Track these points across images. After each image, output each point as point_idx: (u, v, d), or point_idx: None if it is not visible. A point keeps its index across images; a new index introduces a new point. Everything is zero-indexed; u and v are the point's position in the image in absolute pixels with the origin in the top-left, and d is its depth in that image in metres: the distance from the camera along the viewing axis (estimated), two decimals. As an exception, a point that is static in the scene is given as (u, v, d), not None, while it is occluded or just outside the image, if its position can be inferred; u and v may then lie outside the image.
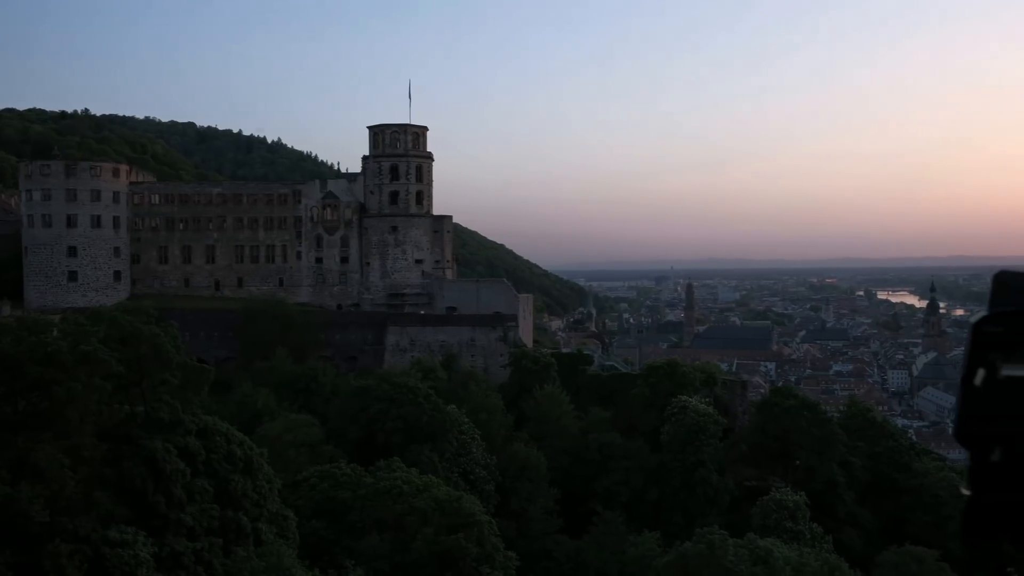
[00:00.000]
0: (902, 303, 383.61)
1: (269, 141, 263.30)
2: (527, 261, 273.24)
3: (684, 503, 64.63)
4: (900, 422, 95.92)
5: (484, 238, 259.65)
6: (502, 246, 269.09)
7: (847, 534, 60.96)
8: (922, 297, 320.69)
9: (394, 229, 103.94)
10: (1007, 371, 1.11)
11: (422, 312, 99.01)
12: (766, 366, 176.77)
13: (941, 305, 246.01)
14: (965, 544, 1.16)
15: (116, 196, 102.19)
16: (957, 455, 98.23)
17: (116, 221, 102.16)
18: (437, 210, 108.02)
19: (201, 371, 49.14)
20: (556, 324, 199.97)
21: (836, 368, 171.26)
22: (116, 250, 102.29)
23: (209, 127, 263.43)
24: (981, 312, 1.22)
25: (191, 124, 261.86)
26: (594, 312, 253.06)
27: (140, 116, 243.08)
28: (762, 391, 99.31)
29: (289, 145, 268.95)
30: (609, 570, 55.82)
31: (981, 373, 1.13)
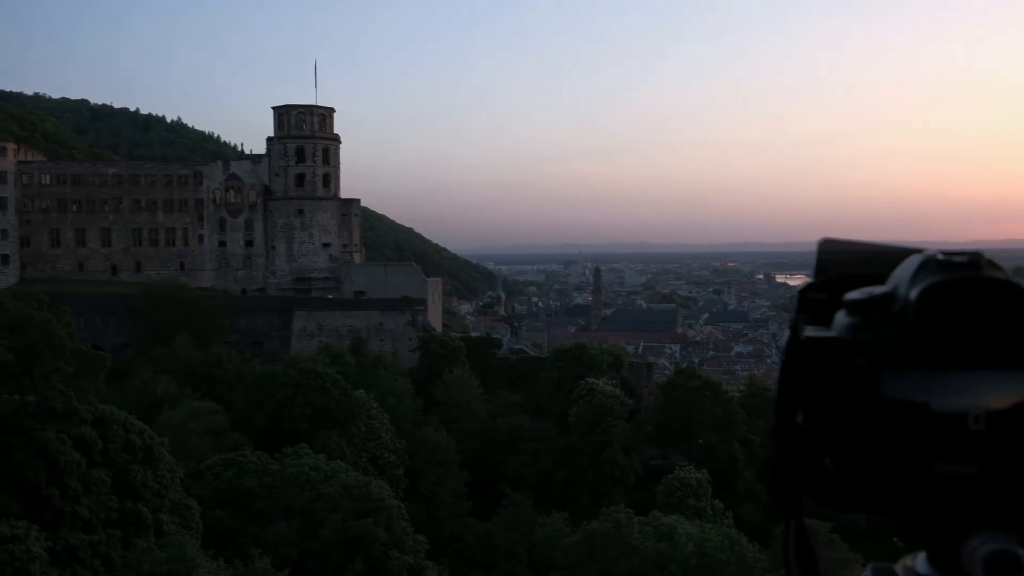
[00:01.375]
0: (799, 286, 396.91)
1: (168, 120, 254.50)
2: (436, 245, 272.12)
3: (592, 483, 65.77)
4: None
5: (393, 222, 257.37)
6: (411, 230, 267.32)
7: (747, 509, 63.07)
8: None
9: (300, 212, 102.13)
10: (809, 333, 1.13)
11: (330, 296, 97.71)
12: (671, 348, 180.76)
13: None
14: (771, 504, 1.19)
15: (3, 176, 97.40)
16: None
17: (3, 202, 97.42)
18: (345, 193, 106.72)
19: (97, 358, 47.49)
20: (465, 308, 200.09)
21: (737, 349, 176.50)
22: (3, 233, 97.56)
23: (104, 104, 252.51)
24: (807, 279, 1.27)
25: (84, 101, 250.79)
26: (503, 296, 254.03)
27: (29, 92, 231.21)
28: (667, 372, 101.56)
29: (190, 124, 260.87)
30: (518, 551, 56.46)
31: (786, 336, 1.15)
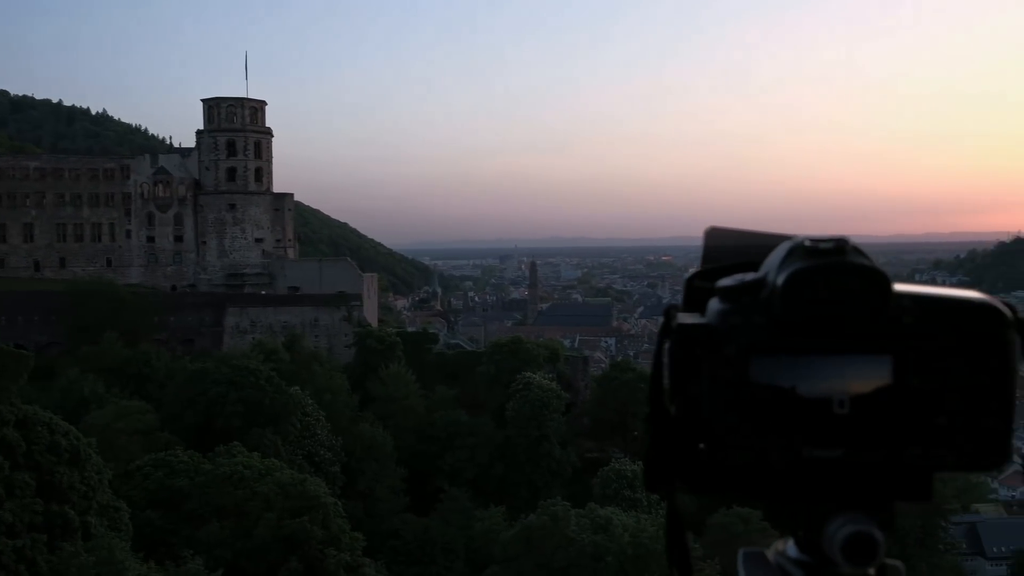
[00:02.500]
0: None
1: (93, 112, 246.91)
2: (372, 240, 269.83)
3: (529, 477, 66.14)
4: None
5: (327, 217, 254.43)
6: (346, 225, 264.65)
7: (681, 499, 64.13)
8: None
9: (232, 207, 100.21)
10: (681, 320, 1.14)
11: (263, 292, 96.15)
12: (607, 341, 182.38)
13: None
14: (646, 489, 1.19)
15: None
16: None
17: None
18: (278, 187, 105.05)
19: (19, 357, 46.07)
20: (401, 303, 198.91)
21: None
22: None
23: (24, 96, 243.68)
24: (694, 268, 1.26)
25: (3, 92, 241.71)
26: (439, 291, 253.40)
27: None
28: (603, 366, 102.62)
29: (116, 117, 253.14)
30: (456, 546, 56.50)
31: (661, 323, 1.14)
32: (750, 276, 1.17)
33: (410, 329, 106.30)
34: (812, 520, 1.15)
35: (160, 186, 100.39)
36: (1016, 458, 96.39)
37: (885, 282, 1.12)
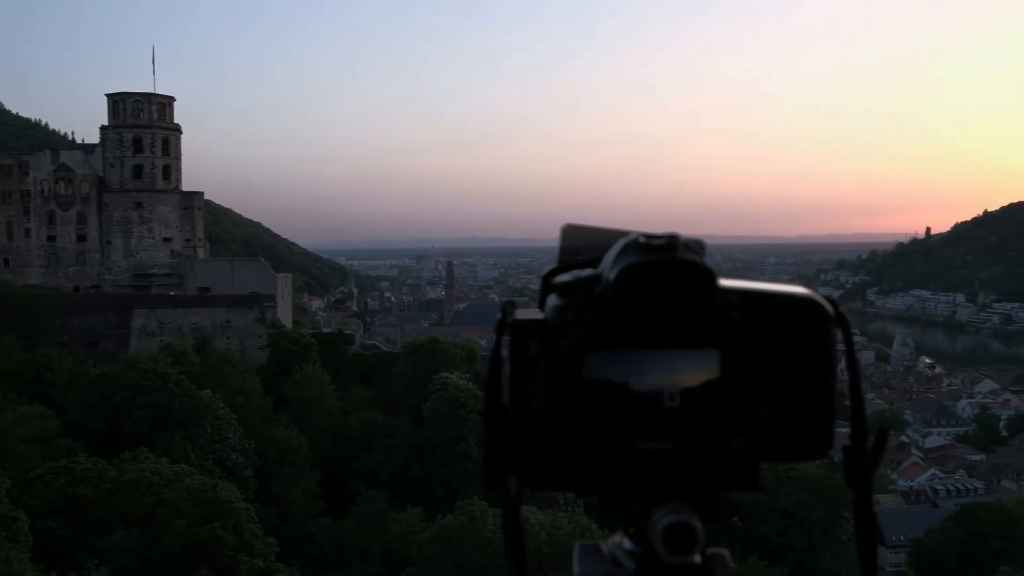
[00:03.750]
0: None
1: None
2: (285, 240, 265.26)
3: (446, 477, 65.95)
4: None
5: (239, 216, 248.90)
6: (259, 224, 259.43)
7: (594, 496, 65.01)
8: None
9: (139, 205, 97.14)
10: (518, 315, 1.13)
11: (171, 293, 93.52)
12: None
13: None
14: (485, 485, 1.20)
15: None
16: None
17: None
18: (187, 185, 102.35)
19: (-92, 363, 43.70)
20: (317, 304, 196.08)
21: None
22: None
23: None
24: (550, 265, 1.26)
25: None
26: (355, 291, 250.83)
27: None
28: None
29: (13, 111, 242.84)
30: (372, 548, 56.00)
31: (498, 319, 1.14)
32: (586, 272, 1.18)
33: (325, 330, 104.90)
34: (641, 512, 1.17)
35: (62, 183, 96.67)
36: (914, 450, 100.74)
37: (711, 278, 1.14)
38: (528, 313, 1.17)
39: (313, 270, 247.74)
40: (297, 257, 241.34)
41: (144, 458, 49.35)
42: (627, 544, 1.21)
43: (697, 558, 1.15)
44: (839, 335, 1.18)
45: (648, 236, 1.15)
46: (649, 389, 1.12)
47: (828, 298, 1.20)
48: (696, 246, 1.17)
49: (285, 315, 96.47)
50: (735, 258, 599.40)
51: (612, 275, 1.13)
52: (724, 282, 1.17)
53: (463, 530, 45.43)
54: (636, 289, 1.12)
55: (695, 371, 1.13)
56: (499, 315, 1.17)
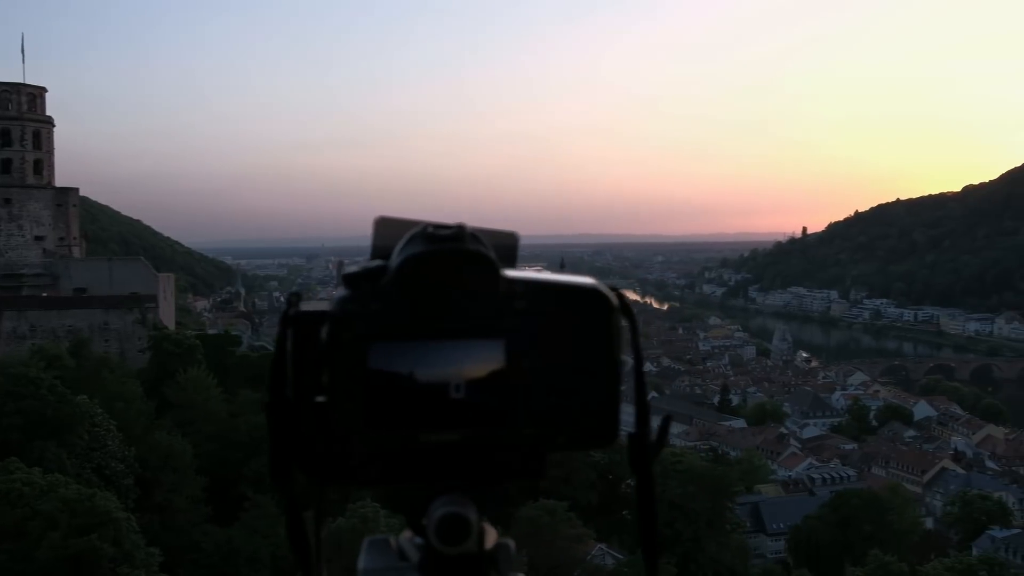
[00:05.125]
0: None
1: None
2: (168, 238, 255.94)
3: (337, 480, 65.09)
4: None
5: (118, 213, 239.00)
6: (139, 222, 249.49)
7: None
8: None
9: (7, 202, 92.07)
10: (302, 307, 1.12)
11: (44, 295, 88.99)
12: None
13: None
14: (271, 481, 1.18)
15: None
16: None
17: None
18: (61, 181, 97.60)
19: None
20: (202, 304, 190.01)
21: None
22: None
23: None
24: (351, 264, 1.21)
25: None
26: (243, 291, 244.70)
27: None
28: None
29: None
30: (261, 555, 54.73)
31: (282, 311, 1.14)
32: (374, 263, 1.16)
33: (211, 331, 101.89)
34: (423, 504, 1.17)
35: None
36: (792, 441, 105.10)
37: (494, 268, 1.12)
38: (313, 305, 1.15)
39: (198, 269, 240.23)
40: (181, 256, 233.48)
41: (15, 468, 46.87)
42: (417, 538, 1.20)
43: (479, 549, 1.15)
44: (624, 324, 1.18)
45: (436, 226, 1.13)
46: (434, 380, 1.10)
47: (613, 288, 1.20)
48: (485, 237, 1.13)
49: (168, 316, 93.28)
50: (624, 256, 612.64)
51: (395, 265, 1.12)
52: (510, 273, 1.15)
53: (355, 532, 44.88)
54: (419, 279, 1.10)
55: (480, 362, 1.11)
56: (284, 307, 1.16)
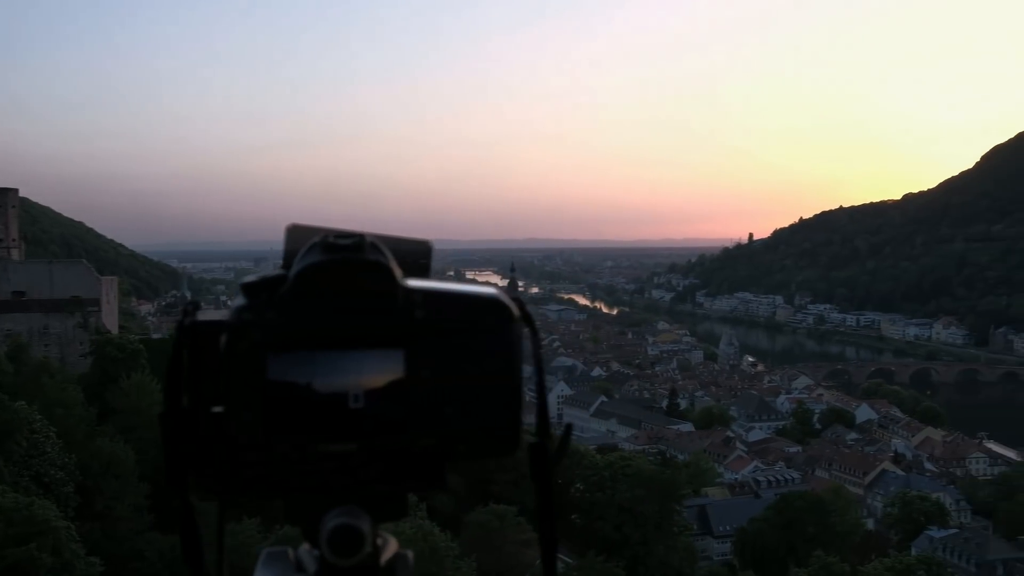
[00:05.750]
0: (487, 282, 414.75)
1: None
2: (112, 240, 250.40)
3: (285, 486, 64.42)
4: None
5: (59, 215, 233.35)
6: (81, 224, 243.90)
7: (440, 500, 65.14)
8: (504, 276, 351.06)
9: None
10: (199, 317, 1.11)
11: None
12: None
13: (520, 284, 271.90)
14: (168, 488, 1.16)
15: None
16: (533, 419, 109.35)
17: None
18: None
19: None
20: (146, 308, 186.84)
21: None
22: None
23: None
24: (251, 274, 1.21)
25: None
26: (188, 295, 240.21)
27: None
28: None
29: None
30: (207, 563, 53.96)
31: (178, 320, 1.12)
32: (273, 272, 1.16)
33: (155, 336, 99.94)
34: (319, 515, 1.15)
35: None
36: (739, 444, 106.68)
37: (392, 278, 1.11)
38: (211, 314, 1.14)
39: (143, 273, 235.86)
40: (124, 259, 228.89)
41: (-51, 477, 45.59)
42: (315, 550, 1.19)
43: (372, 559, 1.14)
44: (527, 334, 1.18)
45: (337, 235, 1.11)
46: (333, 390, 1.09)
47: (515, 298, 1.20)
48: (396, 246, 1.14)
49: (111, 320, 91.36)
50: (574, 261, 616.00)
51: (293, 275, 1.11)
52: (412, 283, 1.14)
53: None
54: (316, 289, 1.09)
55: (380, 372, 1.10)
56: (180, 315, 1.14)
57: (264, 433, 1.10)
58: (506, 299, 1.19)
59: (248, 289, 1.14)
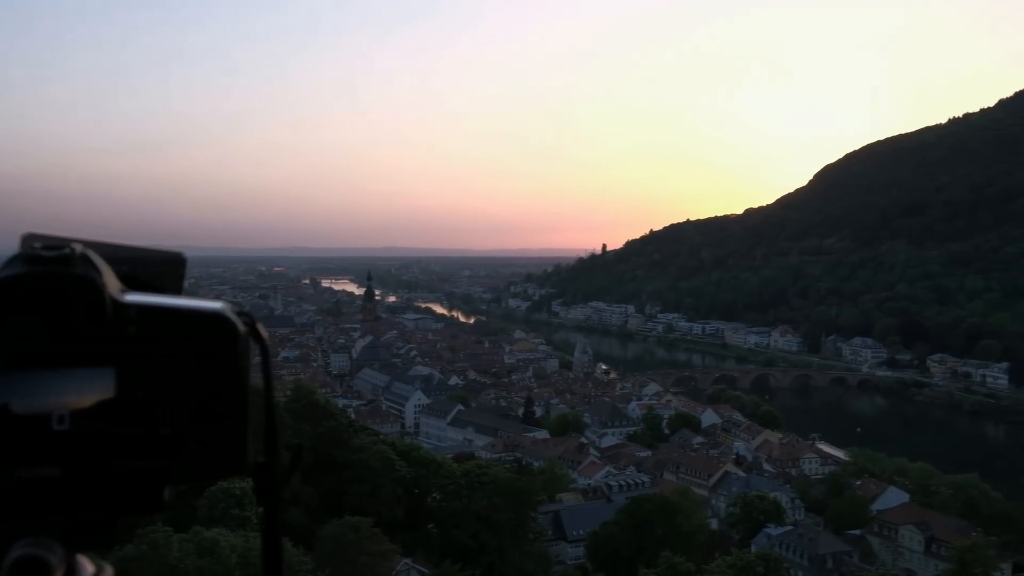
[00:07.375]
0: (344, 290, 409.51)
1: None
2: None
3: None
4: (341, 402, 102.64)
5: None
6: None
7: (292, 513, 63.40)
8: (361, 284, 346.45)
9: None
10: None
11: None
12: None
13: (377, 292, 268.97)
14: None
15: None
16: (390, 429, 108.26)
17: None
18: None
19: None
20: None
21: (284, 354, 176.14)
22: None
23: None
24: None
25: None
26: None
27: None
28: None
29: None
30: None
31: None
32: None
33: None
34: (6, 546, 1.08)
35: None
36: (592, 450, 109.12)
37: (99, 292, 1.05)
38: None
39: None
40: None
41: None
42: None
43: None
44: (255, 349, 1.15)
45: (44, 247, 1.05)
46: (34, 412, 1.03)
47: (242, 312, 1.17)
48: (99, 259, 1.07)
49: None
50: (432, 270, 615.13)
51: None
52: (128, 297, 1.09)
53: (145, 559, 42.30)
54: (14, 304, 1.03)
55: (88, 391, 1.05)
56: None
57: None
58: (230, 314, 1.15)
59: None
